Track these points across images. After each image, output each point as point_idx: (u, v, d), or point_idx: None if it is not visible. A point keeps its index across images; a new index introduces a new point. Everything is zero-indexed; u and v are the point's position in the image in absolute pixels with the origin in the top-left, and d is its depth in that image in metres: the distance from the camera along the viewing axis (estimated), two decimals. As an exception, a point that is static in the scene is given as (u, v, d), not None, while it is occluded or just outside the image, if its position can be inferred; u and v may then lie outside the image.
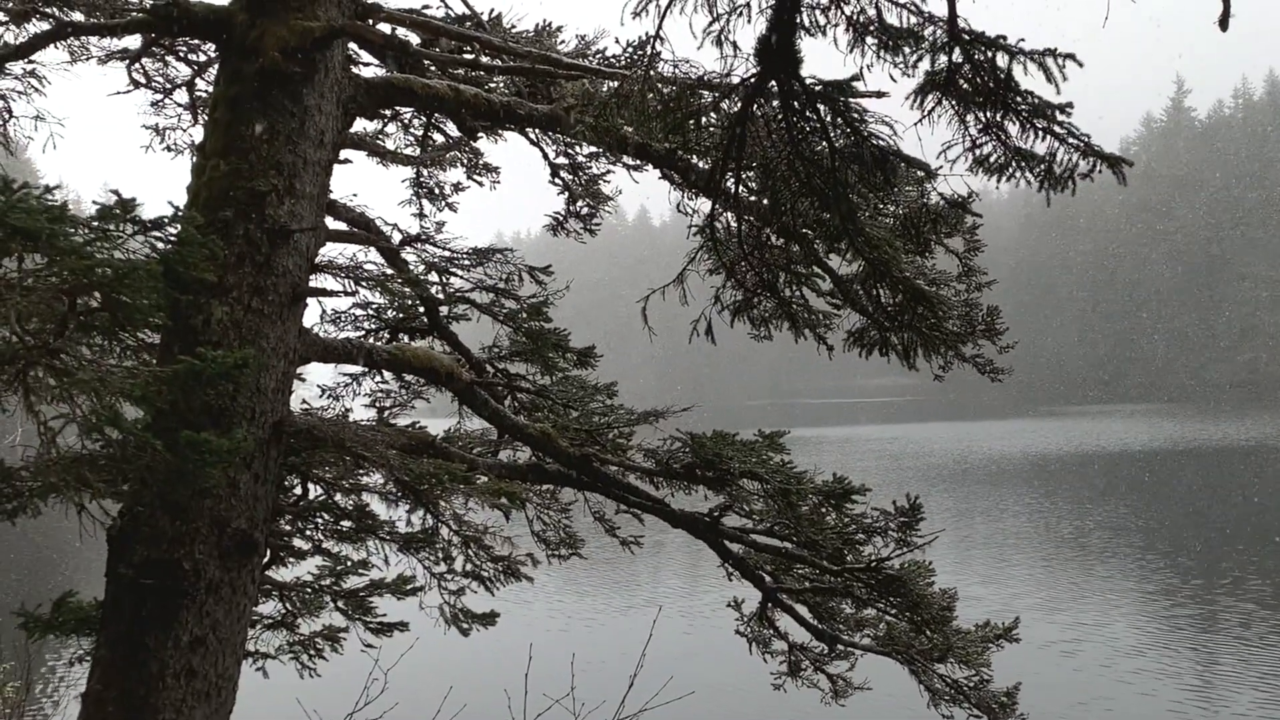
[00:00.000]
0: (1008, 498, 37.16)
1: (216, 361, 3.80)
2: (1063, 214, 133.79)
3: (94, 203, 4.02)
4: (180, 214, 4.57)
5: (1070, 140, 3.64)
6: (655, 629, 7.63)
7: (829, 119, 3.92)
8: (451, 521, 5.67)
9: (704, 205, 5.05)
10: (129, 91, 7.07)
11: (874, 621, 6.80)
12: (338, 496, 5.93)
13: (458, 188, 8.52)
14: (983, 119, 3.68)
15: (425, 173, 8.30)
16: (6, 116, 6.60)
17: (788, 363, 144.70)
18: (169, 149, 8.03)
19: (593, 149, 7.63)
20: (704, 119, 4.51)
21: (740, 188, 4.72)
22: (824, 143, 3.98)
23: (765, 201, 4.76)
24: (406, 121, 7.99)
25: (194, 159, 5.13)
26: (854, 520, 6.40)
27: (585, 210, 8.41)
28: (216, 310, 4.61)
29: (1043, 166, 3.70)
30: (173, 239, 4.34)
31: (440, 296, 7.15)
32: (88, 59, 6.77)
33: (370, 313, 6.81)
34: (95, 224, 4.02)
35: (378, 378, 7.39)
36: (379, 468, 5.04)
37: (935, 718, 6.76)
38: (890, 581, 6.31)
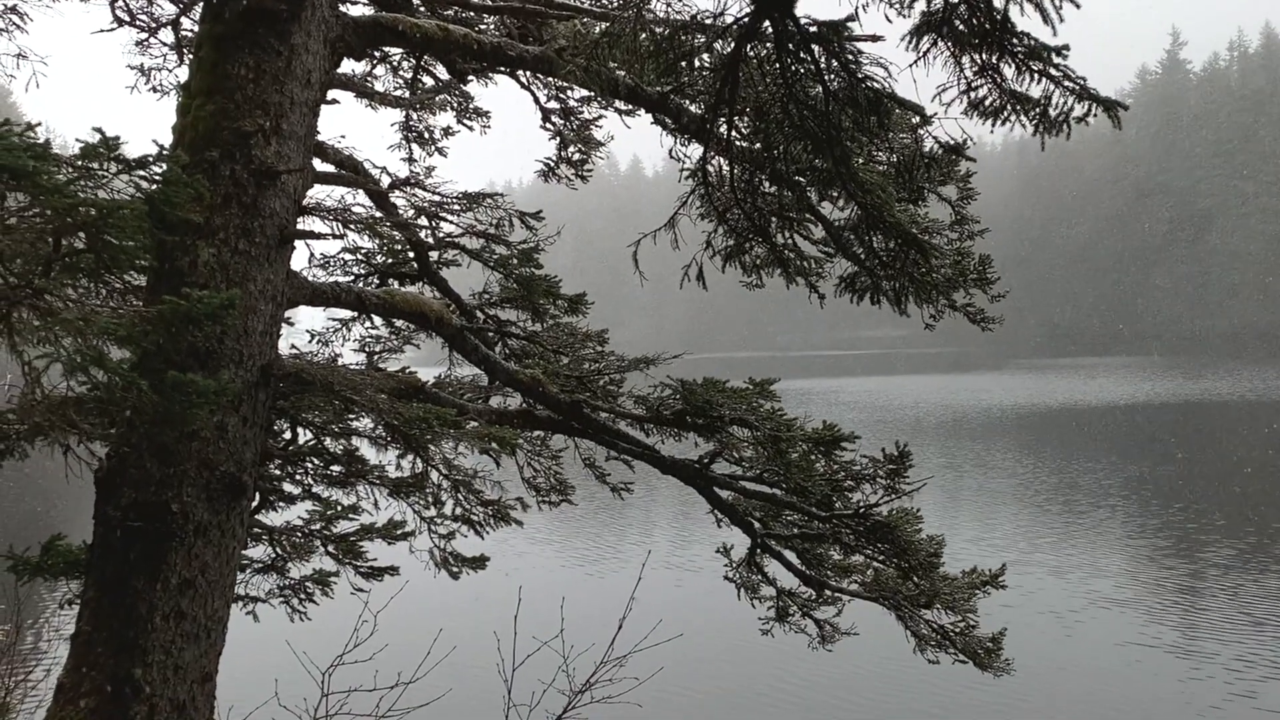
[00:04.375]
0: (994, 450, 37.41)
1: (203, 302, 3.77)
2: (1056, 167, 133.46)
3: (77, 140, 3.95)
4: (165, 153, 4.51)
5: (1066, 83, 3.60)
6: (647, 574, 7.67)
7: (823, 61, 3.87)
8: (441, 466, 5.67)
9: (696, 151, 5.00)
10: (113, 29, 6.95)
11: (861, 567, 6.85)
12: (327, 441, 5.92)
13: (448, 132, 8.42)
14: (978, 61, 3.62)
15: (415, 116, 8.19)
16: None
17: (781, 315, 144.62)
18: (154, 89, 7.91)
19: (585, 93, 7.53)
20: (697, 60, 4.45)
21: (733, 132, 4.67)
22: (818, 85, 3.93)
23: (758, 146, 4.71)
24: (395, 64, 7.88)
25: (179, 99, 5.05)
26: (843, 467, 6.42)
27: (577, 156, 8.32)
28: (203, 252, 4.55)
29: (1038, 110, 3.66)
30: (158, 178, 4.28)
31: (430, 241, 7.10)
32: (70, -5, 6.65)
33: (359, 257, 6.75)
34: (79, 163, 3.97)
35: (367, 323, 7.36)
36: (368, 411, 5.03)
37: (921, 663, 6.83)
38: (878, 528, 6.34)
